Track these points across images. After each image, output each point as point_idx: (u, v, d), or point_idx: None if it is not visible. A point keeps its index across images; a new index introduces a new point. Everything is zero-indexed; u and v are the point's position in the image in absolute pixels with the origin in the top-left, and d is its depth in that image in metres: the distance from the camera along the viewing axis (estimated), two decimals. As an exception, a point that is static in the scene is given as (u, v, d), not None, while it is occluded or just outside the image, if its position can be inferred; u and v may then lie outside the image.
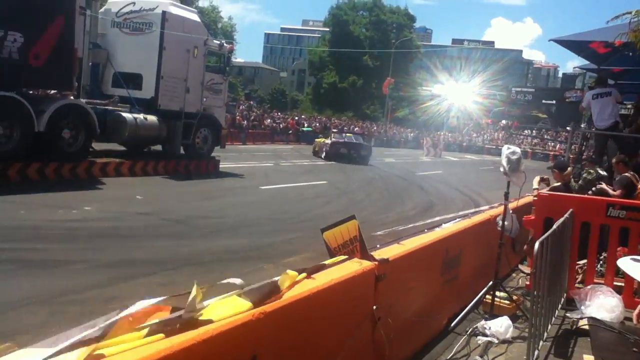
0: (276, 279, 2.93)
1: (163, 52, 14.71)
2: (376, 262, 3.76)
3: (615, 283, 5.56)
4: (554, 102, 58.83)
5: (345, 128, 42.59)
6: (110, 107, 14.30)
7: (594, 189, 7.30)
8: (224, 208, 10.88)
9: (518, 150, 5.57)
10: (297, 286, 2.97)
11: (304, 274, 3.12)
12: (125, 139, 14.35)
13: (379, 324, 3.68)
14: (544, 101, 61.40)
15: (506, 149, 5.52)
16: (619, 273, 5.87)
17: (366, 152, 25.92)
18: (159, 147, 15.95)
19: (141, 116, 14.37)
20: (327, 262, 3.62)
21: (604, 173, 7.81)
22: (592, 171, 7.94)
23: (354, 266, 3.57)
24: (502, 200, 5.83)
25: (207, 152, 16.67)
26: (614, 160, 8.25)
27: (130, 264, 6.39)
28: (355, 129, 49.73)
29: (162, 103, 14.93)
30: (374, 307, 3.69)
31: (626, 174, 7.55)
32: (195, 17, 16.46)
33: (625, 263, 2.00)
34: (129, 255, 6.78)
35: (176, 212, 9.91)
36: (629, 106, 13.11)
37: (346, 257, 3.79)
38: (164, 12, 14.68)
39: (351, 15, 77.52)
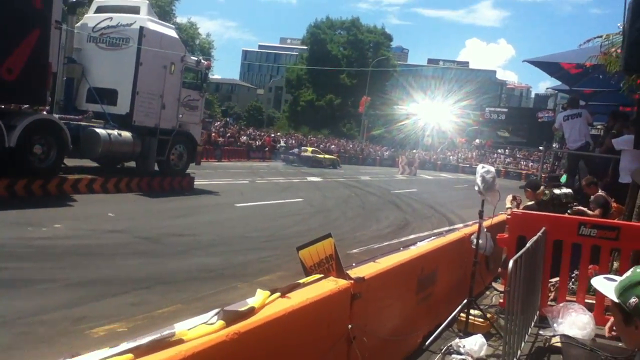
0: (250, 299, 2.90)
1: (139, 68, 14.59)
2: (352, 281, 3.74)
3: (586, 300, 5.62)
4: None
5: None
6: (84, 123, 14.10)
7: (569, 210, 7.39)
8: (198, 226, 10.76)
9: (492, 169, 5.65)
10: (272, 305, 2.94)
11: (278, 294, 3.09)
12: (98, 155, 14.16)
13: (354, 343, 3.65)
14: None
15: (481, 168, 5.59)
16: (590, 291, 5.95)
17: (299, 159, 37.36)
18: (133, 164, 15.76)
19: (115, 132, 14.19)
20: (302, 280, 3.59)
21: (559, 192, 7.85)
22: (547, 192, 8.02)
23: (329, 285, 3.55)
24: (476, 219, 5.87)
25: (182, 169, 16.51)
26: (583, 182, 8.38)
27: (101, 283, 6.25)
28: (332, 146, 50.21)
29: (137, 119, 14.79)
30: (349, 326, 3.66)
31: (599, 193, 7.69)
32: (172, 33, 16.42)
33: (599, 282, 2.02)
34: (100, 274, 6.63)
35: (149, 229, 9.77)
36: (599, 127, 13.44)
37: (322, 275, 3.76)
38: (141, 28, 14.61)
39: (329, 34, 78.34)
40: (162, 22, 17.06)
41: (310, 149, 41.51)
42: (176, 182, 15.89)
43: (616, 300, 1.91)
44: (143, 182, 14.69)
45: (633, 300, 1.84)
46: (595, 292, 5.73)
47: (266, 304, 2.92)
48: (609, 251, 5.88)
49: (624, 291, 1.88)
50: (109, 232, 9.06)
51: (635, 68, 5.71)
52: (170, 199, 13.99)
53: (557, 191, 7.85)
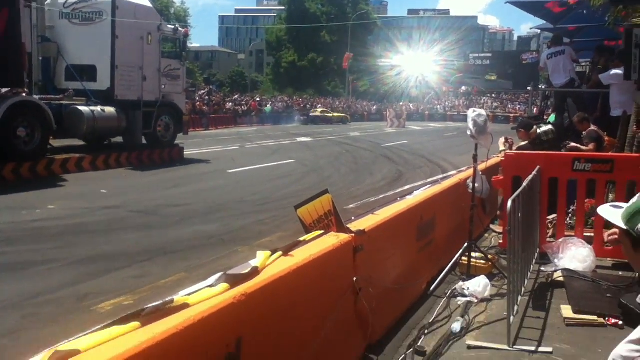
0: (252, 260, 2.88)
1: (116, 41, 14.29)
2: (353, 234, 3.75)
3: (585, 234, 5.70)
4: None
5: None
6: (66, 102, 13.85)
7: (564, 149, 7.41)
8: (193, 195, 10.71)
9: (483, 112, 5.60)
10: (275, 264, 2.94)
11: (279, 252, 3.08)
12: (83, 133, 13.96)
13: (360, 294, 3.69)
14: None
15: (472, 112, 5.54)
16: (587, 224, 6.02)
17: (310, 119, 42.06)
18: (120, 139, 15.60)
19: (98, 108, 13.97)
20: (303, 238, 3.59)
21: (539, 131, 7.82)
22: None
23: (331, 240, 3.56)
24: (468, 165, 5.87)
25: (170, 140, 16.40)
26: (575, 119, 8.39)
27: (102, 259, 6.24)
28: (318, 106, 50.00)
29: (119, 93, 14.55)
30: (355, 278, 3.69)
31: (592, 128, 7.72)
32: (146, 2, 15.99)
33: (605, 210, 2.02)
34: (99, 250, 6.61)
35: (144, 202, 9.72)
36: (584, 64, 13.36)
37: (322, 232, 3.76)
38: (113, 0, 14.22)
39: (306, -8, 76.64)
40: (134, -8, 16.61)
41: (319, 109, 46.30)
42: (166, 154, 15.78)
43: (624, 227, 1.91)
44: (132, 156, 14.56)
45: None
46: (594, 225, 5.80)
47: (269, 264, 2.92)
48: (604, 184, 5.93)
49: (632, 217, 1.88)
50: (104, 209, 9.00)
51: (621, -1, 5.64)
52: (161, 170, 13.90)
53: (537, 130, 7.85)
